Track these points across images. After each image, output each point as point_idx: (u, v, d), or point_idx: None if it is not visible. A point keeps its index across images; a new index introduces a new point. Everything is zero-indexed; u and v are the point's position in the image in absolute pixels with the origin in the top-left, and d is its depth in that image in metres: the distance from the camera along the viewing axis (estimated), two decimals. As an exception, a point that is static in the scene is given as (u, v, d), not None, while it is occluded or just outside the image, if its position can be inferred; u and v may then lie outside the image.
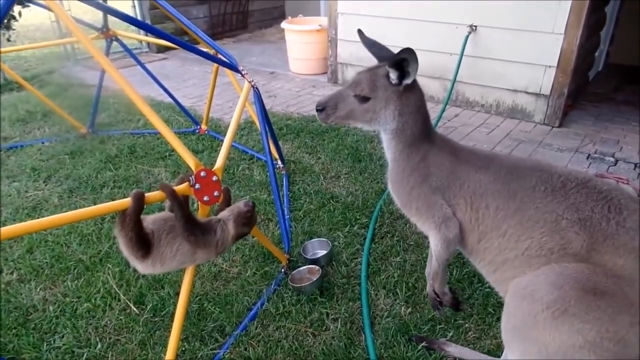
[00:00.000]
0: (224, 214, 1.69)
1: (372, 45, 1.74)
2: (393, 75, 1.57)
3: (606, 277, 1.25)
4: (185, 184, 1.61)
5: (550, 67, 4.10)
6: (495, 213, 1.47)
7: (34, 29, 8.42)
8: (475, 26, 4.32)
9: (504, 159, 1.63)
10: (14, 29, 5.69)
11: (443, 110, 4.26)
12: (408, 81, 1.56)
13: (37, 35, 8.16)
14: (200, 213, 1.74)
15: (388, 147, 1.70)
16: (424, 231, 1.69)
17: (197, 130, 4.03)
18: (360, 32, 1.79)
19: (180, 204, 1.54)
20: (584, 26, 3.86)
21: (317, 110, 1.68)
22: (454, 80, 4.34)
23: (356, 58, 5.14)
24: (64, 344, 1.98)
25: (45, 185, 3.24)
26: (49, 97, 3.94)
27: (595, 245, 1.30)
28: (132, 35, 4.47)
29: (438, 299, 1.75)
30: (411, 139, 1.63)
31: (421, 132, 1.64)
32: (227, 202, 1.77)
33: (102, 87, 3.97)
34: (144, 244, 1.50)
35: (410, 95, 1.61)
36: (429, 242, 2.60)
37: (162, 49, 6.97)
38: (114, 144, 3.82)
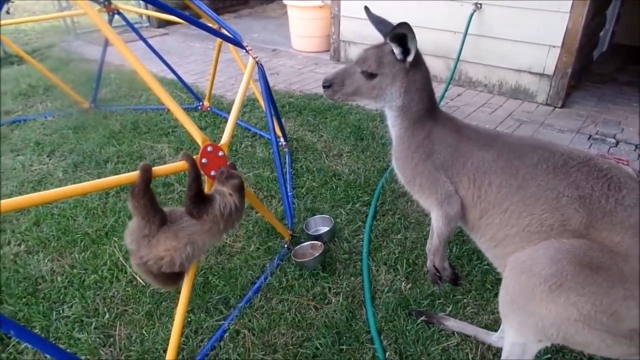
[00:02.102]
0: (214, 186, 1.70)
1: (379, 22, 1.74)
2: (397, 51, 1.58)
3: (602, 252, 1.29)
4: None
5: (554, 46, 4.08)
6: (498, 190, 1.50)
7: (33, 2, 8.29)
8: (480, 4, 4.27)
9: (507, 137, 1.65)
10: (12, 2, 5.61)
11: (446, 90, 4.25)
12: (410, 57, 1.57)
13: (36, 9, 8.05)
14: (208, 188, 1.77)
15: (393, 124, 1.72)
16: (425, 207, 1.72)
17: (199, 107, 4.02)
18: (367, 9, 1.79)
19: (199, 174, 1.57)
20: (590, 5, 3.82)
21: (324, 87, 1.70)
22: (458, 60, 4.32)
23: (359, 36, 5.09)
24: (72, 314, 2.04)
25: (50, 159, 3.27)
26: (50, 72, 3.92)
27: (593, 222, 1.33)
28: (133, 9, 4.43)
29: (438, 274, 1.79)
30: (416, 116, 1.65)
31: (426, 110, 1.66)
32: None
33: (104, 62, 3.95)
34: (157, 210, 1.49)
35: (417, 72, 1.62)
36: (430, 219, 2.65)
37: (162, 24, 6.89)
38: (117, 120, 3.82)
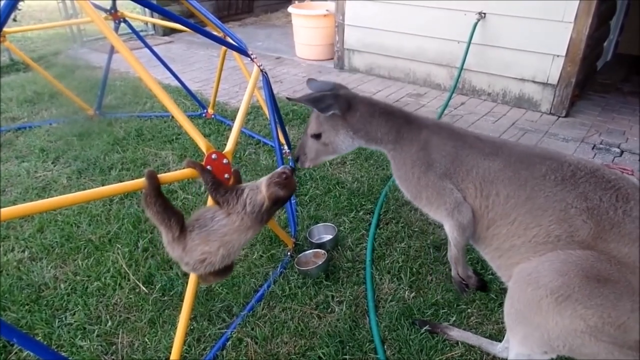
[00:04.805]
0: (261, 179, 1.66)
1: (317, 88, 1.85)
2: (317, 109, 1.71)
3: (610, 264, 1.28)
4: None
5: (558, 56, 4.08)
6: (506, 200, 1.49)
7: (40, 10, 8.37)
8: (484, 13, 4.28)
9: (513, 146, 1.65)
10: (19, 9, 5.67)
11: (449, 99, 4.25)
12: (326, 113, 1.71)
13: (42, 16, 8.13)
14: (210, 202, 1.76)
15: (384, 152, 1.80)
16: (437, 220, 1.70)
17: (203, 114, 4.04)
18: (309, 81, 1.92)
19: (208, 171, 1.58)
20: (594, 15, 3.83)
21: (295, 161, 1.89)
22: (461, 68, 4.32)
23: (363, 44, 5.11)
24: (75, 321, 2.04)
25: (54, 166, 3.28)
26: (55, 79, 3.94)
27: (601, 234, 1.32)
28: (139, 17, 4.46)
29: (464, 282, 1.78)
30: (391, 137, 1.73)
31: (397, 126, 1.72)
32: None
33: (109, 69, 3.97)
34: (173, 213, 1.50)
35: (354, 113, 1.73)
36: (433, 229, 2.64)
37: (167, 32, 6.93)
38: (121, 127, 3.84)
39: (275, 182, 1.56)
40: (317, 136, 1.79)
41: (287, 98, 1.80)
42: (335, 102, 1.69)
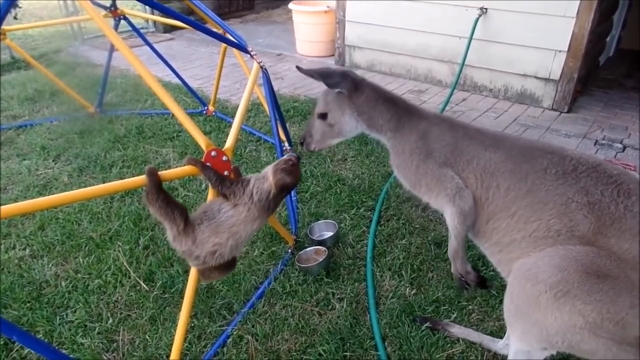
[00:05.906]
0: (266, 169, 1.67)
1: (313, 72, 1.82)
2: (327, 85, 1.73)
3: (610, 260, 1.27)
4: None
5: (560, 51, 4.06)
6: (506, 193, 1.48)
7: (40, 7, 8.36)
8: (486, 9, 4.26)
9: (515, 140, 1.64)
10: (20, 7, 5.65)
11: (451, 95, 4.23)
12: (335, 90, 1.74)
13: (43, 14, 8.12)
14: (211, 192, 1.76)
15: (381, 141, 1.81)
16: (438, 208, 1.68)
17: (204, 112, 4.04)
18: (298, 67, 1.90)
19: (209, 167, 1.58)
20: (596, 10, 3.81)
21: (300, 144, 1.91)
22: (463, 64, 4.30)
23: (364, 41, 5.09)
24: (76, 318, 2.04)
25: (55, 163, 3.28)
26: (56, 76, 3.94)
27: (602, 229, 1.31)
28: (139, 14, 4.45)
29: (463, 279, 1.77)
30: (391, 126, 1.73)
31: (398, 115, 1.72)
32: (238, 182, 1.79)
33: (109, 67, 3.97)
34: (175, 206, 1.50)
35: (360, 95, 1.74)
36: (434, 225, 2.63)
37: (168, 29, 6.92)
38: (122, 124, 3.84)
39: (282, 169, 1.57)
40: (324, 116, 1.81)
41: (297, 67, 1.82)
42: (343, 80, 1.72)
